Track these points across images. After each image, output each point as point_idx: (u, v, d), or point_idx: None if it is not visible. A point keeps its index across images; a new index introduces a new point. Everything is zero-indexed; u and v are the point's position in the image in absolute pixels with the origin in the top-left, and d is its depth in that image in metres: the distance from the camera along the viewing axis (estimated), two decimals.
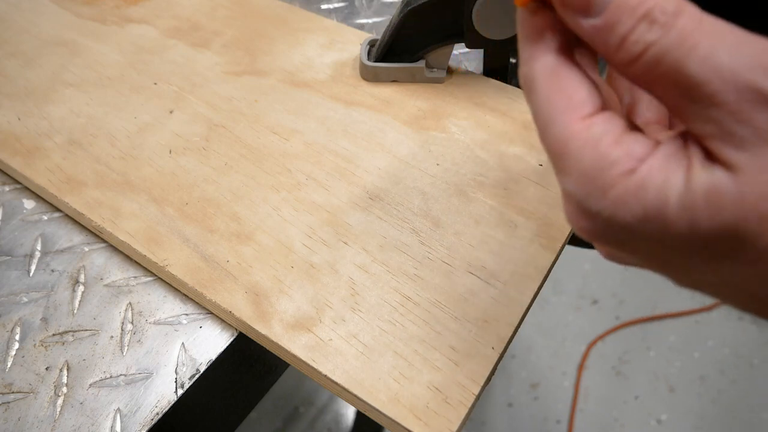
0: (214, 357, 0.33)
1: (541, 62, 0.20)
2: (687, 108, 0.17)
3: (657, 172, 0.18)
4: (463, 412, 0.29)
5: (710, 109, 0.17)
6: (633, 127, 0.19)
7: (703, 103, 0.17)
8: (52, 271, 0.37)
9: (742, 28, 0.17)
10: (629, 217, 0.18)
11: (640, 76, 0.18)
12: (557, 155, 0.20)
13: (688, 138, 0.18)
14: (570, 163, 0.19)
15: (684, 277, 0.20)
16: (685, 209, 0.17)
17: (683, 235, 0.18)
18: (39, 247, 0.39)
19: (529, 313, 0.34)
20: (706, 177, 0.17)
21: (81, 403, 0.32)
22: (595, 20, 0.18)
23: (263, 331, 0.33)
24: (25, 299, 0.36)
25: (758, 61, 0.16)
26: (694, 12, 0.17)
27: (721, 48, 0.17)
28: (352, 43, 0.50)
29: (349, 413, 1.16)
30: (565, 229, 0.37)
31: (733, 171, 0.16)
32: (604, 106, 0.20)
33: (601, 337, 1.28)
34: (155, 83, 0.47)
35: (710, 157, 0.17)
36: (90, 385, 0.32)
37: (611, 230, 0.19)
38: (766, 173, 0.16)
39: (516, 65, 0.53)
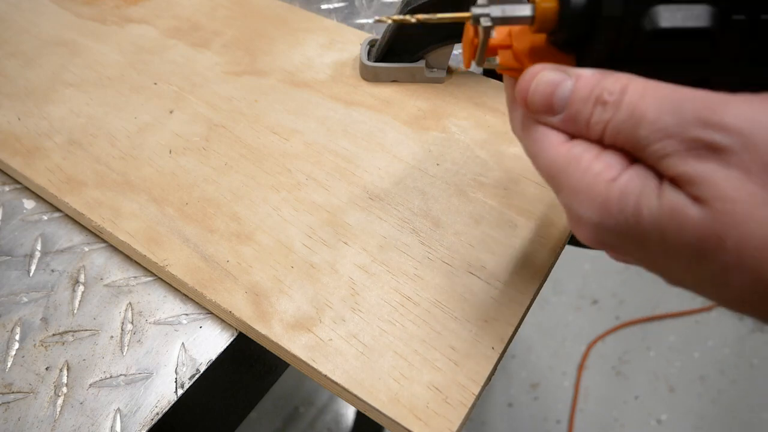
0: (214, 357, 0.33)
1: (519, 116, 0.26)
2: (650, 159, 0.21)
3: (635, 182, 0.21)
4: (463, 412, 0.29)
5: (665, 159, 0.20)
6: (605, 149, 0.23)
7: (659, 155, 0.21)
8: (52, 271, 0.37)
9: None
10: (613, 223, 0.22)
11: (611, 143, 0.22)
12: (550, 176, 0.24)
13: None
14: (560, 180, 0.23)
15: (670, 276, 0.23)
16: (656, 223, 0.21)
17: (657, 242, 0.21)
18: (39, 247, 0.39)
19: (529, 313, 0.34)
20: (674, 197, 0.20)
21: (81, 403, 0.32)
22: (560, 116, 0.23)
23: (263, 331, 0.33)
24: (25, 299, 0.36)
25: (695, 116, 0.20)
26: (638, 84, 0.21)
27: (664, 111, 0.20)
28: (352, 43, 0.50)
29: (349, 413, 1.16)
30: (565, 229, 0.37)
31: (696, 200, 0.20)
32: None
33: (601, 337, 1.28)
34: (155, 83, 0.47)
35: (675, 183, 0.21)
36: (90, 385, 0.32)
37: (602, 235, 0.23)
38: (723, 202, 0.19)
39: None
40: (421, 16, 0.27)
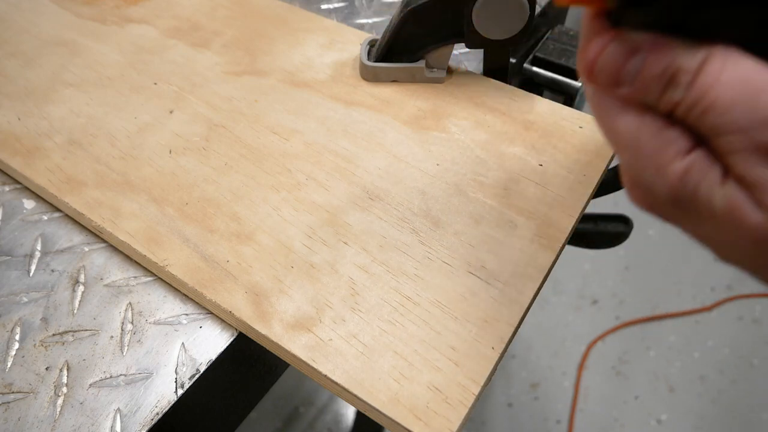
0: (214, 357, 0.33)
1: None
2: (717, 149, 0.20)
3: (699, 166, 0.20)
4: (463, 412, 0.29)
5: (731, 155, 0.20)
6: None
7: (726, 149, 0.20)
8: (52, 271, 0.37)
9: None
10: (672, 197, 0.21)
11: (680, 120, 0.21)
12: (618, 139, 0.23)
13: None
14: (628, 143, 0.22)
15: (722, 255, 0.23)
16: (714, 214, 0.20)
17: (711, 227, 0.21)
18: (39, 247, 0.39)
19: (529, 313, 0.34)
20: (736, 195, 0.20)
21: (81, 403, 0.32)
22: (627, 89, 0.21)
23: (263, 331, 0.33)
24: (25, 299, 0.36)
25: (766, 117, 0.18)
26: (717, 62, 0.19)
27: (736, 103, 0.19)
28: (352, 43, 0.50)
29: (349, 413, 1.16)
30: (565, 229, 0.37)
31: (758, 204, 0.19)
32: None
33: (601, 337, 1.28)
34: (155, 83, 0.47)
35: (739, 181, 0.20)
36: (90, 385, 0.32)
37: (659, 204, 0.23)
38: None
39: (515, 65, 0.53)
40: None
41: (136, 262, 0.38)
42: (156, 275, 0.37)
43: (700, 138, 0.21)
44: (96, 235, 0.39)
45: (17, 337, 0.34)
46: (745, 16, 0.20)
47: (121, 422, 0.31)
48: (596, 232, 0.62)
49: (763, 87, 0.18)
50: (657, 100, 0.21)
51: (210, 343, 0.34)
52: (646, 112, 0.22)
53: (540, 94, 0.48)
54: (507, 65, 0.46)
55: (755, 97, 0.18)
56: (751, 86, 0.19)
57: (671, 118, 0.21)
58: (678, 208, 0.22)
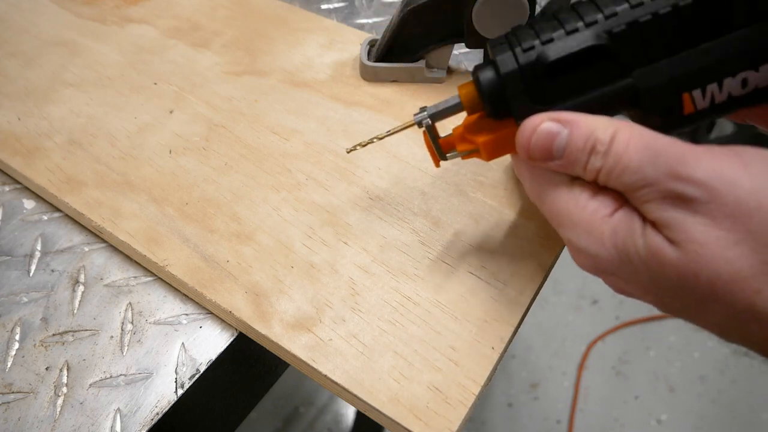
0: (214, 357, 0.33)
1: (522, 163, 0.29)
2: (635, 202, 0.25)
3: (624, 223, 0.25)
4: (463, 412, 0.29)
5: (646, 204, 0.24)
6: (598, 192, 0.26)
7: (641, 201, 0.24)
8: (52, 271, 0.37)
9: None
10: (606, 255, 0.25)
11: (603, 185, 0.26)
12: (552, 214, 0.27)
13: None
14: (562, 216, 0.27)
15: (661, 305, 0.26)
16: (642, 260, 0.24)
17: (645, 275, 0.24)
18: (39, 247, 0.39)
19: (529, 313, 0.34)
20: (654, 239, 0.24)
21: (81, 403, 0.32)
22: (558, 162, 0.26)
23: (263, 331, 0.33)
24: (25, 299, 0.36)
25: (669, 169, 0.23)
26: (624, 134, 0.24)
27: (645, 162, 0.23)
28: (352, 43, 0.50)
29: (349, 413, 1.16)
30: None
31: (671, 242, 0.23)
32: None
33: (601, 337, 1.28)
34: (155, 83, 0.47)
35: (654, 226, 0.24)
36: (90, 385, 0.32)
37: (599, 264, 0.26)
38: (694, 245, 0.22)
39: None
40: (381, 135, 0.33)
41: (136, 262, 0.38)
42: (156, 275, 0.37)
43: (621, 197, 0.25)
44: (96, 235, 0.39)
45: (17, 337, 0.34)
46: (580, 79, 0.26)
47: (121, 422, 0.31)
48: None
49: (660, 149, 0.23)
50: (583, 169, 0.25)
51: (210, 343, 0.34)
52: (573, 184, 0.26)
53: None
54: None
55: (656, 158, 0.23)
56: (652, 150, 0.23)
57: (595, 186, 0.26)
58: (615, 265, 0.25)
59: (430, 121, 0.30)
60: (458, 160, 0.41)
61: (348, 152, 0.35)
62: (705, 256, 0.22)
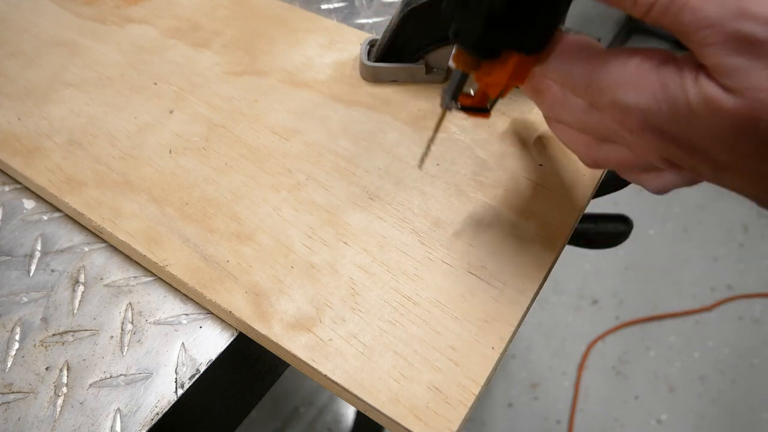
0: (214, 357, 0.33)
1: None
2: (691, 46, 0.22)
3: (674, 72, 0.23)
4: (463, 412, 0.29)
5: (705, 48, 0.22)
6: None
7: (700, 44, 0.22)
8: (52, 271, 0.37)
9: None
10: (657, 108, 0.24)
11: (654, 23, 0.23)
12: (593, 85, 0.26)
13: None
14: (602, 81, 0.25)
15: (710, 166, 0.24)
16: (693, 111, 0.23)
17: (696, 126, 0.23)
18: (39, 247, 0.39)
19: (529, 313, 0.34)
20: (709, 89, 0.22)
21: (81, 403, 0.32)
22: None
23: (263, 331, 0.33)
24: (25, 299, 0.36)
25: (738, 7, 0.20)
26: None
27: (707, 1, 0.21)
28: (352, 43, 0.50)
29: (349, 413, 1.16)
30: (565, 229, 0.37)
31: (729, 91, 0.22)
32: None
33: (601, 337, 1.28)
34: (155, 83, 0.47)
35: (712, 72, 0.22)
36: (90, 385, 0.32)
37: (650, 120, 0.24)
38: (757, 92, 0.21)
39: None
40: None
41: (136, 262, 0.38)
42: (156, 275, 0.37)
43: (663, 53, 0.24)
44: (96, 235, 0.39)
45: (17, 337, 0.34)
46: None
47: (121, 422, 0.31)
48: (596, 232, 0.62)
49: None
50: (634, 2, 0.23)
51: (210, 343, 0.34)
52: (609, 52, 0.25)
53: None
54: None
55: None
56: None
57: (646, 21, 0.24)
58: (666, 119, 0.24)
59: (457, 104, 0.31)
60: (458, 160, 0.41)
61: (420, 167, 0.37)
62: (766, 102, 0.21)
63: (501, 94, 0.31)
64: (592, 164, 0.32)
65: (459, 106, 0.31)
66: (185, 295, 0.36)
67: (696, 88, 0.22)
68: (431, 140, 0.34)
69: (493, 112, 0.44)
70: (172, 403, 0.32)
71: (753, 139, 0.22)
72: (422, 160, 0.36)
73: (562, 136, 0.33)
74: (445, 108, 0.31)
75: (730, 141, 0.23)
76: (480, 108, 0.32)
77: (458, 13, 0.27)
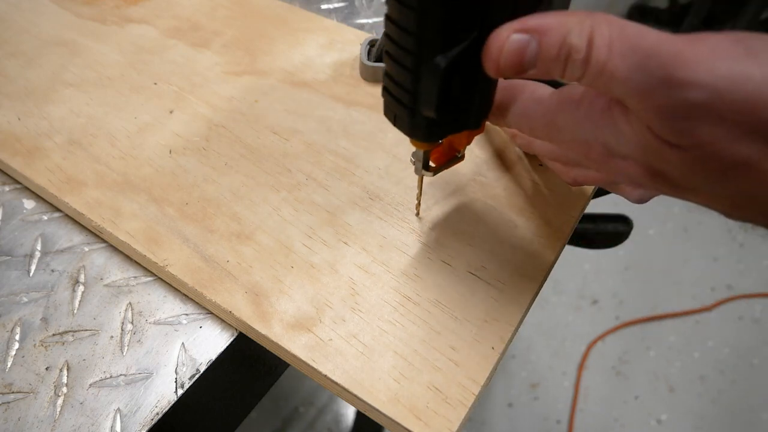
0: (214, 357, 0.33)
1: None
2: (628, 107, 0.23)
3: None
4: (463, 412, 0.29)
5: (641, 113, 0.22)
6: None
7: (640, 113, 0.22)
8: (52, 271, 0.37)
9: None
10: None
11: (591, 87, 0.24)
12: (573, 120, 0.26)
13: None
14: (589, 131, 0.26)
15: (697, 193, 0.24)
16: (646, 149, 0.23)
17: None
18: (39, 247, 0.39)
19: (529, 313, 0.34)
20: (655, 143, 0.22)
21: (81, 403, 0.32)
22: (533, 71, 0.24)
23: (263, 331, 0.33)
24: (25, 299, 0.36)
25: (665, 75, 0.20)
26: (604, 35, 0.21)
27: (634, 69, 0.21)
28: (352, 43, 0.50)
29: (349, 413, 1.16)
30: (565, 229, 0.37)
31: (671, 146, 0.22)
32: None
33: (601, 337, 1.28)
34: (155, 83, 0.47)
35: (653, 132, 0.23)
36: (90, 385, 0.32)
37: (616, 150, 0.25)
38: (697, 149, 0.21)
39: None
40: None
41: (136, 262, 0.38)
42: (156, 275, 0.37)
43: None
44: (96, 235, 0.39)
45: (17, 337, 0.34)
46: None
47: (121, 422, 0.31)
48: (596, 232, 0.62)
49: (649, 50, 0.20)
50: (561, 77, 0.23)
51: (210, 343, 0.34)
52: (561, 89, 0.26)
53: None
54: None
55: (646, 61, 0.20)
56: (639, 52, 0.20)
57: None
58: (623, 150, 0.24)
59: (430, 172, 0.34)
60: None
61: (417, 215, 0.38)
62: (714, 151, 0.21)
63: (468, 143, 0.33)
64: (572, 183, 0.33)
65: (432, 175, 0.33)
66: (185, 295, 0.36)
67: (646, 137, 0.22)
68: (419, 196, 0.37)
69: None
70: (172, 403, 0.32)
71: (705, 173, 0.22)
72: (418, 209, 0.38)
73: (542, 159, 0.36)
74: (421, 176, 0.34)
75: (685, 172, 0.23)
76: (453, 158, 0.34)
77: (400, 118, 0.29)
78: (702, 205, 0.25)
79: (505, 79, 0.28)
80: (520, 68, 0.24)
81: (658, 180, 0.25)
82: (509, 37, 0.23)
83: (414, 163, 0.33)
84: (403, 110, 0.28)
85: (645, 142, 0.23)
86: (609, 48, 0.21)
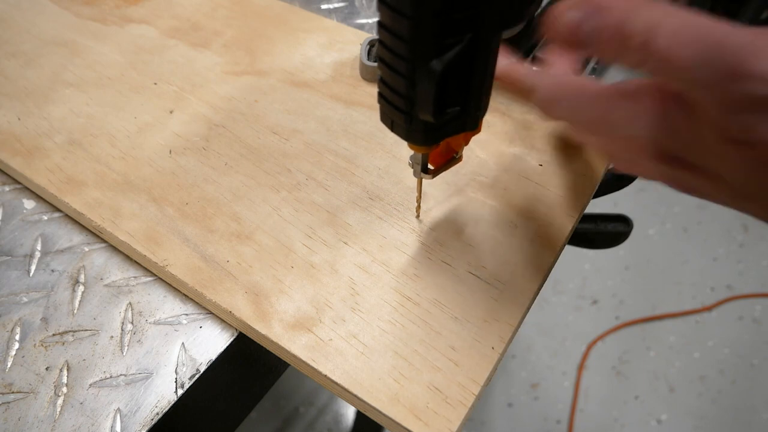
0: (214, 357, 0.33)
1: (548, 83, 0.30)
2: (691, 101, 0.22)
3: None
4: (463, 412, 0.29)
5: (705, 108, 0.21)
6: None
7: (701, 105, 0.21)
8: (52, 271, 0.37)
9: None
10: (672, 140, 0.24)
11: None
12: (596, 117, 0.27)
13: None
14: (609, 117, 0.26)
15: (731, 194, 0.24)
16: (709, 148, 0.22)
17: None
18: (39, 247, 0.39)
19: (529, 313, 0.34)
20: (717, 146, 0.22)
21: (81, 403, 0.32)
22: (590, 49, 0.23)
23: (263, 331, 0.33)
24: (25, 299, 0.36)
25: (732, 68, 0.19)
26: (669, 24, 0.21)
27: (698, 61, 0.20)
28: (352, 43, 0.50)
29: (349, 413, 1.16)
30: (565, 229, 0.37)
31: (736, 144, 0.21)
32: None
33: (601, 337, 1.28)
34: (155, 83, 0.47)
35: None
36: (90, 385, 0.32)
37: (663, 147, 0.24)
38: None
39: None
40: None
41: (136, 262, 0.38)
42: (156, 275, 0.37)
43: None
44: (96, 235, 0.39)
45: (17, 337, 0.34)
46: None
47: (121, 422, 0.31)
48: (596, 232, 0.62)
49: (717, 42, 0.19)
50: (619, 60, 0.22)
51: (210, 343, 0.34)
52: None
53: None
54: None
55: (712, 53, 0.19)
56: (706, 42, 0.20)
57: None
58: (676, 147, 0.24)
59: (428, 174, 0.34)
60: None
61: (418, 218, 0.38)
62: None
63: (465, 144, 0.33)
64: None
65: (431, 177, 0.34)
66: (185, 295, 0.36)
67: (705, 134, 0.22)
68: (419, 198, 0.37)
69: (494, 113, 0.44)
70: (172, 403, 0.32)
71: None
72: (418, 212, 0.38)
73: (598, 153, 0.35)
74: (420, 178, 0.34)
75: (747, 173, 0.22)
76: (450, 159, 0.34)
77: (397, 124, 0.29)
78: (759, 218, 0.24)
79: (560, 48, 0.28)
80: (576, 42, 0.23)
81: (713, 185, 0.24)
82: (565, 11, 0.23)
83: (412, 167, 0.33)
84: (400, 116, 0.28)
85: (704, 140, 0.22)
86: (672, 36, 0.20)
